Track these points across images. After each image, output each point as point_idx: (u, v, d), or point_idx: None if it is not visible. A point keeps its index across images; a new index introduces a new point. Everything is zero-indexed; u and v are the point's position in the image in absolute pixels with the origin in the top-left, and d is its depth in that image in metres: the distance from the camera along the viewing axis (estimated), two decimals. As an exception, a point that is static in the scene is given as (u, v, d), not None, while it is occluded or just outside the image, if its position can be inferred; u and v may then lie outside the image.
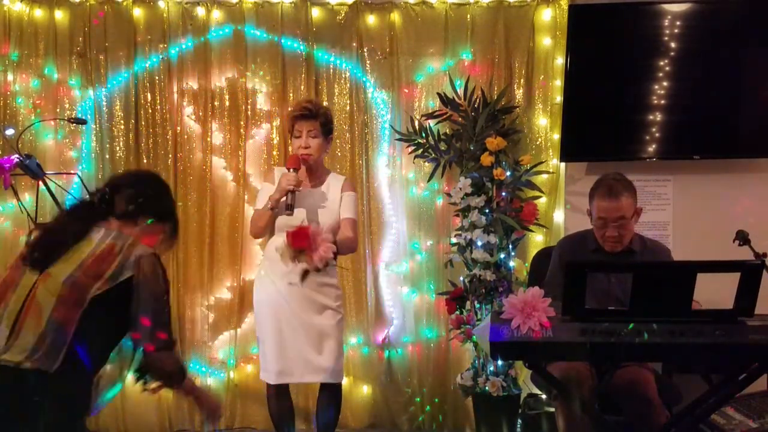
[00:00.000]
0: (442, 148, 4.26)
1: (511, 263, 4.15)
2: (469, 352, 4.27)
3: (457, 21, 4.42)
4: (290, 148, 3.45)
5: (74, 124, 4.17)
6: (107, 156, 4.42)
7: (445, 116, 4.34)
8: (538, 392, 4.06)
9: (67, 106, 4.43)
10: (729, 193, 4.41)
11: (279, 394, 3.36)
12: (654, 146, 4.33)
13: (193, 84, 4.45)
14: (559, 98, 4.39)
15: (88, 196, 2.54)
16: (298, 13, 4.43)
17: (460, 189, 4.12)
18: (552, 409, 3.51)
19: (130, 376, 2.36)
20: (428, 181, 4.34)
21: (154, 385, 2.35)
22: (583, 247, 3.24)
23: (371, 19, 4.45)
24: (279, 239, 3.33)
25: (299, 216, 3.28)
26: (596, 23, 4.34)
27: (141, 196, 2.46)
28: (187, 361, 4.39)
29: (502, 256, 4.12)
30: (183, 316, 4.40)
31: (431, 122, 4.36)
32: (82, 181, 4.17)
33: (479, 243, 4.07)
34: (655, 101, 4.30)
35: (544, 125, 4.44)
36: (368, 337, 4.42)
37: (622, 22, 4.33)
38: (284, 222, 3.28)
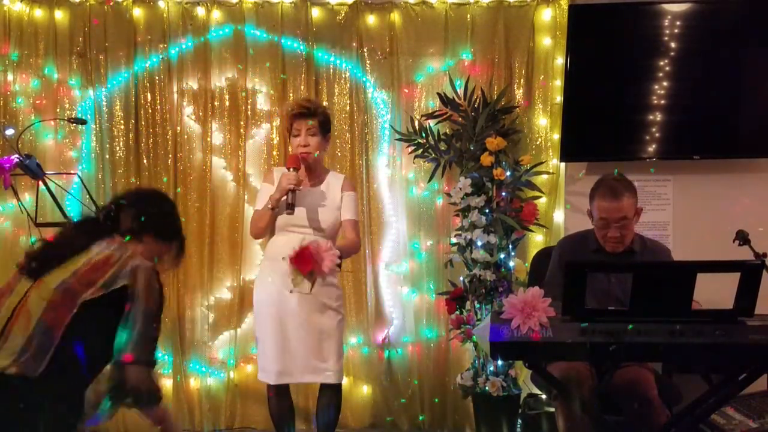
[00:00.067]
0: (442, 148, 4.26)
1: (511, 263, 4.14)
2: (469, 352, 4.27)
3: (457, 21, 4.43)
4: (290, 148, 3.45)
5: (74, 124, 4.17)
6: (107, 156, 4.42)
7: (445, 116, 4.34)
8: (538, 392, 4.06)
9: (67, 106, 4.44)
10: (729, 193, 4.41)
11: (279, 394, 3.36)
12: (654, 146, 4.33)
13: (193, 84, 4.45)
14: (559, 98, 4.39)
15: (93, 213, 2.54)
16: (298, 13, 4.43)
17: (460, 189, 4.12)
18: (552, 409, 3.51)
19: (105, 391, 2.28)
20: (428, 181, 4.34)
21: (125, 401, 2.25)
22: (584, 247, 3.24)
23: (371, 19, 4.45)
24: (280, 239, 3.34)
25: (299, 216, 3.28)
26: (596, 23, 4.34)
27: (146, 214, 2.46)
28: (187, 361, 4.40)
29: (502, 256, 4.12)
30: (183, 316, 4.40)
31: (431, 122, 4.36)
32: (82, 181, 4.17)
33: (479, 243, 4.07)
34: (655, 101, 4.30)
35: (544, 125, 4.44)
36: (368, 337, 4.42)
37: (622, 22, 4.33)
38: (285, 221, 3.29)
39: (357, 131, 4.45)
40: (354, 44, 4.44)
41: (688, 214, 4.43)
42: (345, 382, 3.93)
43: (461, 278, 4.18)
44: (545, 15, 4.43)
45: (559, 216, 4.46)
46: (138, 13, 4.43)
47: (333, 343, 3.30)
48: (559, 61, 4.40)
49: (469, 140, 4.22)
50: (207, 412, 4.38)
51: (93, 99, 4.42)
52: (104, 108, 4.43)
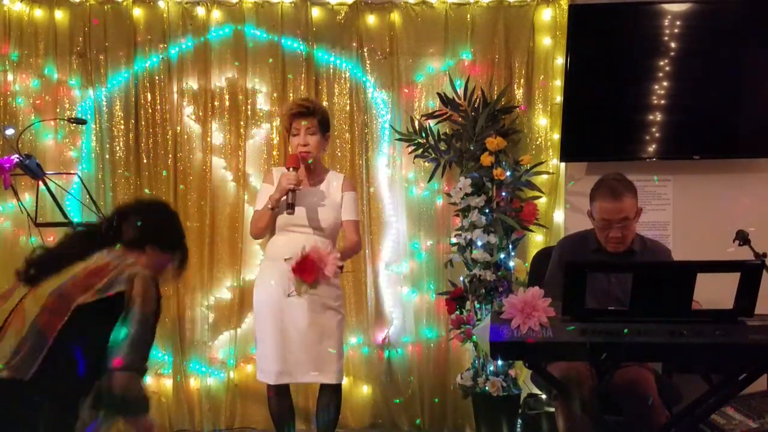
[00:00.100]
0: (442, 148, 4.26)
1: (511, 263, 4.14)
2: (469, 352, 4.27)
3: (457, 21, 4.43)
4: (289, 148, 3.45)
5: (74, 124, 4.17)
6: (107, 156, 4.42)
7: (445, 116, 4.34)
8: (538, 392, 4.06)
9: (67, 106, 4.44)
10: (729, 193, 4.41)
11: (279, 394, 3.36)
12: (654, 146, 4.33)
13: (193, 84, 4.45)
14: (559, 98, 4.39)
15: (96, 222, 2.53)
16: (298, 13, 4.43)
17: (460, 189, 4.12)
18: (552, 409, 3.51)
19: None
20: (428, 181, 4.34)
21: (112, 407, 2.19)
22: (584, 247, 3.24)
23: (371, 19, 4.45)
24: (280, 238, 3.34)
25: (299, 216, 3.28)
26: (596, 23, 4.34)
27: (149, 224, 2.45)
28: (187, 361, 4.40)
29: (502, 256, 4.12)
30: (183, 316, 4.40)
31: (431, 122, 4.36)
32: (82, 181, 4.17)
33: (479, 243, 4.07)
34: (655, 101, 4.30)
35: (544, 125, 4.44)
36: (368, 337, 4.42)
37: (622, 22, 4.33)
38: (285, 221, 3.29)
39: (357, 131, 4.45)
40: (354, 44, 4.44)
41: (688, 214, 4.43)
42: (345, 382, 3.93)
43: (461, 278, 4.18)
44: (545, 15, 4.43)
45: (559, 216, 4.46)
46: (138, 13, 4.43)
47: (333, 343, 3.30)
48: (559, 61, 4.40)
49: (469, 140, 4.22)
50: (207, 412, 4.38)
51: (93, 99, 4.42)
52: (104, 108, 4.43)
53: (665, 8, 4.26)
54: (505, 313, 2.39)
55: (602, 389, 2.74)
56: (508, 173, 4.13)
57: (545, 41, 4.43)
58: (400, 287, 4.47)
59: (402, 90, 4.46)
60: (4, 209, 4.40)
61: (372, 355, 4.44)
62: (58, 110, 4.42)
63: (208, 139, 4.44)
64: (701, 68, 4.28)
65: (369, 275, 4.41)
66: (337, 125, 4.43)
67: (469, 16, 4.42)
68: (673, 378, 3.35)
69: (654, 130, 4.32)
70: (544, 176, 4.36)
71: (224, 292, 4.45)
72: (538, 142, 4.44)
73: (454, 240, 4.28)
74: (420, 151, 4.28)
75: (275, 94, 4.44)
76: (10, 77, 4.40)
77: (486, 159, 4.11)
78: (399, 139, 4.36)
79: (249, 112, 4.45)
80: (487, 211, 4.11)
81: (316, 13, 4.45)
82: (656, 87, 4.28)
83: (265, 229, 3.36)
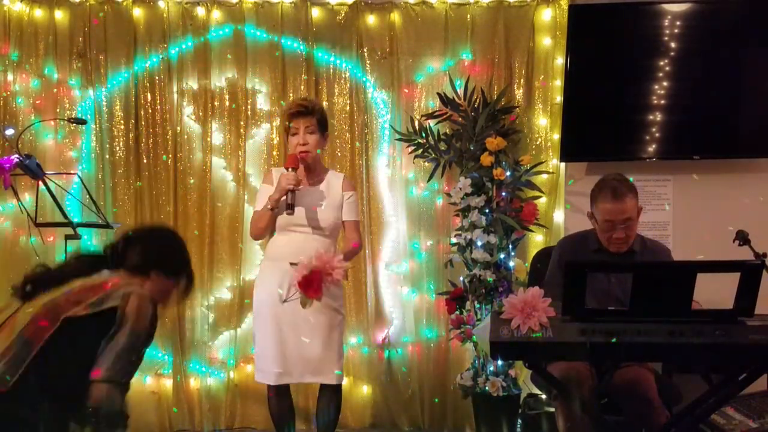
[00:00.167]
0: (442, 148, 4.26)
1: (511, 263, 4.14)
2: (469, 352, 4.27)
3: (457, 21, 4.43)
4: (288, 147, 3.44)
5: (74, 124, 4.17)
6: (107, 156, 4.42)
7: (445, 116, 4.34)
8: (538, 392, 4.06)
9: (67, 106, 4.44)
10: (729, 193, 4.41)
11: (279, 394, 3.36)
12: (654, 146, 4.34)
13: (193, 84, 4.45)
14: (559, 98, 4.39)
15: (102, 249, 2.50)
16: (298, 13, 4.43)
17: (460, 189, 4.12)
18: (552, 409, 3.50)
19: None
20: (428, 181, 4.34)
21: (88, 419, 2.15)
22: (584, 247, 3.24)
23: (371, 19, 4.46)
24: (280, 238, 3.34)
25: (299, 216, 3.28)
26: (596, 23, 4.34)
27: (154, 250, 2.44)
28: (187, 361, 4.39)
29: (502, 256, 4.12)
30: (183, 316, 4.40)
31: (431, 122, 4.36)
32: (82, 181, 4.17)
33: (479, 243, 4.07)
34: (655, 101, 4.30)
35: (544, 125, 4.44)
36: (368, 337, 4.42)
37: (622, 22, 4.33)
38: (286, 221, 3.28)
39: (357, 131, 4.45)
40: (354, 44, 4.44)
41: (688, 214, 4.43)
42: (345, 382, 3.93)
43: (461, 278, 4.18)
44: (545, 15, 4.43)
45: (559, 216, 4.46)
46: (138, 13, 4.43)
47: (333, 343, 3.30)
48: (559, 61, 4.40)
49: (469, 140, 4.22)
50: (207, 412, 4.38)
51: (93, 99, 4.42)
52: (104, 108, 4.43)
53: (665, 8, 4.27)
54: (505, 313, 2.39)
55: (602, 389, 2.74)
56: (508, 173, 4.13)
57: (545, 41, 4.43)
58: (400, 287, 4.47)
59: (402, 90, 4.46)
60: (4, 209, 4.40)
61: (372, 355, 4.44)
62: (58, 110, 4.42)
63: (208, 139, 4.44)
64: (701, 68, 4.28)
65: (369, 275, 4.41)
66: (337, 125, 4.44)
67: (469, 16, 4.42)
68: (673, 378, 3.35)
69: (654, 130, 4.32)
70: (544, 176, 4.36)
71: (224, 292, 4.45)
72: (538, 142, 4.45)
73: (454, 240, 4.28)
74: (420, 151, 4.28)
75: (275, 94, 4.44)
76: (10, 77, 4.40)
77: (486, 159, 4.11)
78: (399, 139, 4.36)
79: (249, 112, 4.45)
80: (487, 211, 4.11)
81: (316, 13, 4.45)
82: (656, 87, 4.28)
83: (265, 229, 3.35)
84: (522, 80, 4.43)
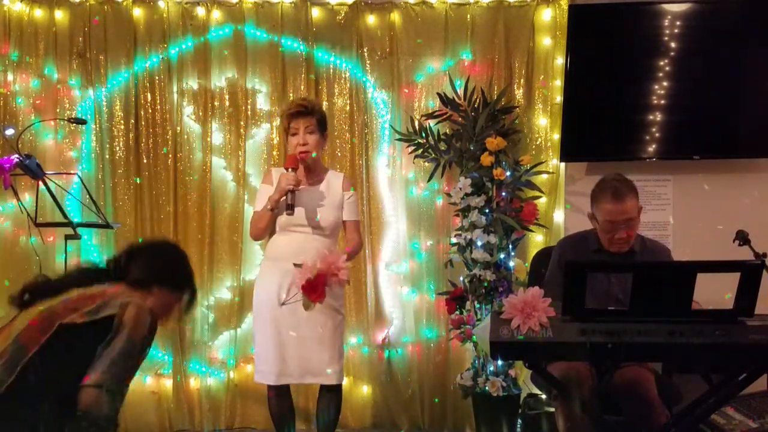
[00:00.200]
0: (442, 148, 4.26)
1: (511, 263, 4.14)
2: (469, 352, 4.27)
3: (457, 21, 4.43)
4: (288, 147, 3.44)
5: (74, 124, 4.17)
6: (107, 156, 4.42)
7: (445, 116, 4.34)
8: (538, 392, 4.06)
9: (67, 106, 4.44)
10: (729, 193, 4.41)
11: (279, 394, 3.35)
12: (654, 146, 4.34)
13: (193, 84, 4.45)
14: (559, 98, 4.39)
15: (104, 262, 2.50)
16: (298, 13, 4.43)
17: (460, 189, 4.12)
18: (552, 409, 3.51)
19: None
20: (428, 181, 4.34)
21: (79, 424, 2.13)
22: (584, 247, 3.24)
23: (371, 19, 4.46)
24: (281, 238, 3.34)
25: (299, 216, 3.28)
26: (596, 23, 4.34)
27: (157, 265, 2.44)
28: (187, 361, 4.39)
29: (502, 256, 4.12)
30: (183, 316, 4.40)
31: (431, 122, 4.36)
32: (82, 181, 4.17)
33: (479, 243, 4.07)
34: (655, 101, 4.30)
35: (544, 125, 4.44)
36: (368, 337, 4.42)
37: (622, 22, 4.33)
38: (286, 221, 3.28)
39: (357, 131, 4.45)
40: (354, 44, 4.44)
41: (688, 214, 4.43)
42: (345, 382, 3.93)
43: (461, 278, 4.18)
44: (545, 15, 4.43)
45: (559, 216, 4.46)
46: (138, 13, 4.43)
47: (333, 344, 3.29)
48: (559, 61, 4.40)
49: (469, 140, 4.22)
50: (207, 412, 4.38)
51: (93, 99, 4.42)
52: (104, 108, 4.43)
53: (665, 8, 4.27)
54: (505, 313, 2.39)
55: (602, 389, 2.74)
56: (508, 173, 4.13)
57: (545, 41, 4.43)
58: (400, 287, 4.47)
59: (402, 90, 4.46)
60: (4, 209, 4.40)
61: (372, 355, 4.44)
62: (58, 110, 4.42)
63: (208, 139, 4.44)
64: (701, 68, 4.29)
65: (369, 275, 4.41)
66: (337, 125, 4.44)
67: (469, 16, 4.42)
68: (673, 378, 3.35)
69: (654, 130, 4.32)
70: (544, 176, 4.36)
71: (224, 292, 4.45)
72: (538, 142, 4.45)
73: (454, 240, 4.28)
74: (420, 151, 4.28)
75: (275, 94, 4.44)
76: (10, 77, 4.40)
77: (486, 159, 4.11)
78: (399, 139, 4.36)
79: (249, 112, 4.46)
80: (487, 211, 4.11)
81: (316, 13, 4.45)
82: (656, 87, 4.28)
83: (265, 230, 3.35)
84: (522, 80, 4.43)
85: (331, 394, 3.36)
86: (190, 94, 4.46)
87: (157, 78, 4.43)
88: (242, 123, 4.44)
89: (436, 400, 4.43)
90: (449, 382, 4.39)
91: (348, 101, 4.46)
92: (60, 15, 4.42)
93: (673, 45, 4.27)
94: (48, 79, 4.42)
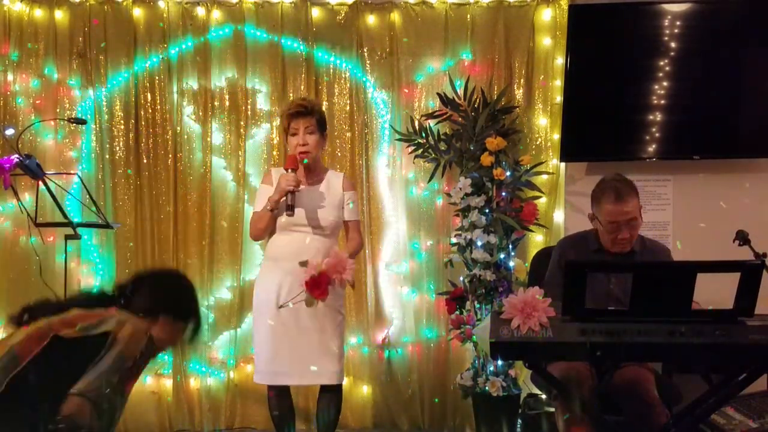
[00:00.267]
0: (442, 148, 4.26)
1: (511, 263, 4.14)
2: (469, 352, 4.27)
3: (457, 21, 4.43)
4: (287, 147, 3.44)
5: (74, 124, 4.17)
6: (107, 156, 4.42)
7: (445, 116, 4.34)
8: (538, 392, 4.05)
9: (67, 106, 4.44)
10: (729, 193, 4.41)
11: (279, 394, 3.35)
12: (654, 146, 4.34)
13: (193, 84, 4.45)
14: (559, 98, 4.39)
15: (110, 289, 2.50)
16: (298, 13, 4.43)
17: (460, 189, 4.12)
18: (552, 409, 3.50)
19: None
20: (428, 181, 4.34)
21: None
22: (584, 247, 3.24)
23: (371, 19, 4.46)
24: (281, 238, 3.34)
25: (299, 216, 3.28)
26: (596, 23, 4.34)
27: (162, 294, 2.45)
28: (187, 361, 4.39)
29: (502, 256, 4.12)
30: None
31: (431, 122, 4.36)
32: (82, 181, 4.17)
33: (479, 243, 4.07)
34: (655, 101, 4.30)
35: (544, 125, 4.44)
36: (368, 337, 4.42)
37: (622, 22, 4.33)
38: (286, 221, 3.28)
39: (357, 131, 4.45)
40: (354, 44, 4.44)
41: (688, 214, 4.43)
42: (345, 382, 3.92)
43: (461, 278, 4.18)
44: (545, 15, 4.43)
45: (559, 216, 4.46)
46: (138, 13, 4.43)
47: (333, 344, 3.29)
48: (559, 61, 4.40)
49: (469, 140, 4.22)
50: (207, 412, 4.38)
51: (93, 99, 4.42)
52: (104, 108, 4.43)
53: (665, 8, 4.27)
54: (505, 313, 2.39)
55: (602, 389, 2.74)
56: (508, 173, 4.13)
57: (545, 41, 4.43)
58: (400, 287, 4.47)
59: (402, 90, 4.46)
60: (4, 209, 4.40)
61: (372, 355, 4.44)
62: (58, 110, 4.42)
63: (208, 139, 4.44)
64: (701, 68, 4.29)
65: (369, 275, 4.41)
66: (337, 125, 4.44)
67: (469, 16, 4.42)
68: (673, 378, 3.35)
69: (654, 130, 4.32)
70: (544, 176, 4.36)
71: (224, 292, 4.45)
72: (538, 142, 4.45)
73: (454, 240, 4.28)
74: (420, 151, 4.28)
75: (275, 94, 4.44)
76: (10, 77, 4.40)
77: (486, 159, 4.11)
78: (399, 139, 4.36)
79: (249, 112, 4.46)
80: (487, 211, 4.11)
81: (316, 13, 4.45)
82: (656, 87, 4.28)
83: (265, 230, 3.35)
84: (522, 80, 4.43)
85: (331, 394, 3.36)
86: (190, 94, 4.46)
87: (157, 78, 4.43)
88: (242, 123, 4.44)
89: (436, 400, 4.43)
90: (449, 382, 4.39)
91: (348, 101, 4.46)
92: (60, 15, 4.41)
93: (673, 45, 4.27)
94: (48, 79, 4.42)
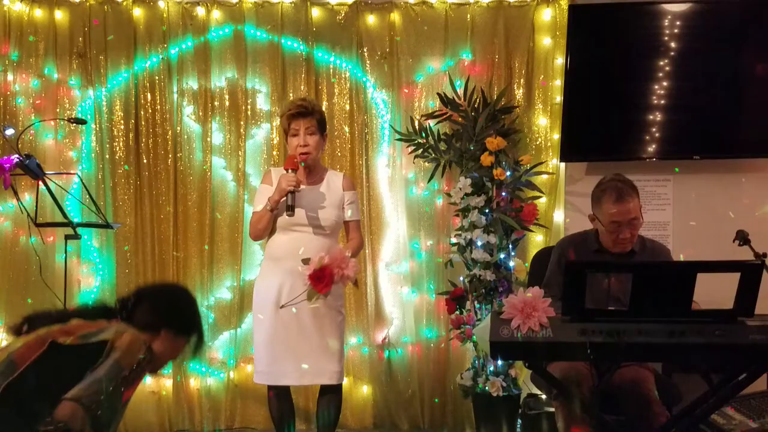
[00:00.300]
0: (442, 148, 4.26)
1: (511, 263, 4.14)
2: (469, 352, 4.27)
3: (457, 21, 4.43)
4: (288, 148, 3.44)
5: (74, 124, 4.17)
6: (107, 156, 4.42)
7: (445, 116, 4.34)
8: (538, 392, 4.05)
9: (67, 106, 4.44)
10: (729, 193, 4.41)
11: (279, 394, 3.35)
12: (654, 146, 4.33)
13: (193, 84, 4.45)
14: (559, 98, 4.39)
15: (112, 303, 2.49)
16: (298, 13, 4.43)
17: (460, 189, 4.12)
18: (552, 409, 3.50)
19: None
20: (428, 181, 4.34)
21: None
22: (584, 247, 3.24)
23: (371, 19, 4.46)
24: (281, 238, 3.33)
25: (299, 215, 3.28)
26: (596, 23, 4.34)
27: (164, 308, 2.45)
28: (187, 361, 4.39)
29: (502, 256, 4.12)
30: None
31: (431, 122, 4.36)
32: (82, 181, 4.17)
33: (479, 243, 4.07)
34: (655, 101, 4.30)
35: (544, 125, 4.44)
36: (368, 337, 4.42)
37: (622, 22, 4.32)
38: (287, 221, 3.28)
39: (357, 131, 4.45)
40: (354, 44, 4.44)
41: (688, 214, 4.43)
42: (345, 382, 3.93)
43: (461, 278, 4.18)
44: (545, 15, 4.43)
45: (559, 216, 4.46)
46: (138, 13, 4.43)
47: (333, 344, 3.29)
48: (559, 61, 4.40)
49: (469, 140, 4.22)
50: (207, 412, 4.38)
51: (93, 99, 4.42)
52: (104, 108, 4.43)
53: (665, 8, 4.26)
54: (505, 313, 2.39)
55: (602, 389, 2.74)
56: (508, 173, 4.13)
57: (545, 41, 4.43)
58: (400, 287, 4.47)
59: (402, 90, 4.46)
60: (4, 209, 4.40)
61: (372, 355, 4.44)
62: (58, 110, 4.42)
63: (208, 139, 4.44)
64: (701, 68, 4.28)
65: (369, 275, 4.41)
66: (337, 125, 4.44)
67: (469, 16, 4.42)
68: (673, 378, 3.35)
69: (654, 130, 4.32)
70: (544, 176, 4.36)
71: (224, 292, 4.45)
72: (538, 142, 4.45)
73: (454, 240, 4.28)
74: (420, 151, 4.28)
75: (275, 94, 4.45)
76: (10, 77, 4.40)
77: (486, 159, 4.11)
78: (399, 139, 4.36)
79: (249, 112, 4.46)
80: (487, 211, 4.11)
81: (316, 13, 4.45)
82: (656, 87, 4.28)
83: (265, 230, 3.35)
84: (522, 80, 4.43)
85: (332, 394, 3.36)
86: (190, 94, 4.46)
87: (157, 78, 4.43)
88: (242, 123, 4.44)
89: (436, 400, 4.43)
90: (449, 382, 4.39)
91: (348, 101, 4.46)
92: (60, 15, 4.42)
93: (673, 45, 4.27)
94: (48, 79, 4.42)
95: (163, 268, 4.41)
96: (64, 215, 3.74)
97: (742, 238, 3.34)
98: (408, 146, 4.33)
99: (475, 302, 4.10)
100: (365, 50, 4.46)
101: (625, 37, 4.34)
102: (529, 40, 4.42)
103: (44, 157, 4.29)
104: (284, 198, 3.22)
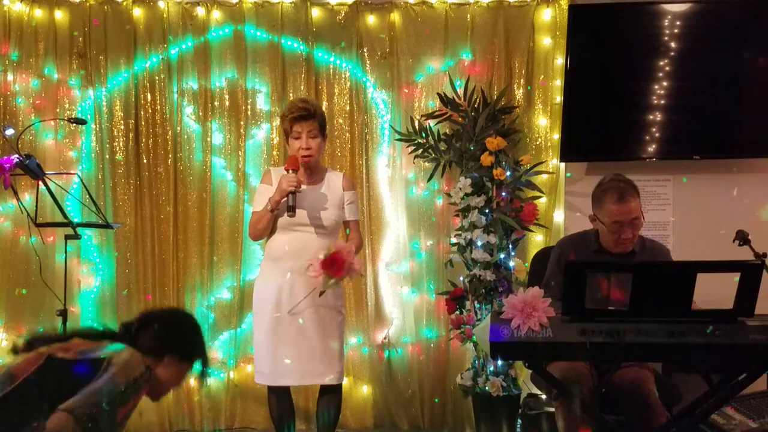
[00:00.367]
0: (442, 148, 4.26)
1: (511, 263, 4.14)
2: (469, 352, 4.27)
3: (457, 21, 4.43)
4: (288, 149, 3.44)
5: (74, 124, 4.17)
6: (107, 156, 4.42)
7: (445, 116, 4.34)
8: (538, 392, 4.05)
9: (67, 106, 4.44)
10: (729, 193, 4.41)
11: (279, 394, 3.35)
12: (654, 146, 4.34)
13: (193, 84, 4.45)
14: (559, 98, 4.39)
15: (117, 327, 2.50)
16: (298, 13, 4.43)
17: (460, 189, 4.12)
18: (552, 409, 3.51)
19: None
20: (428, 181, 4.34)
21: None
22: (584, 247, 3.24)
23: (371, 19, 4.46)
24: (281, 237, 3.33)
25: (300, 215, 3.28)
26: (596, 23, 4.34)
27: (167, 334, 2.45)
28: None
29: (502, 256, 4.12)
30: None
31: (431, 122, 4.36)
32: (82, 181, 4.17)
33: (479, 243, 4.07)
34: (655, 101, 4.30)
35: (544, 125, 4.44)
36: (368, 337, 4.42)
37: (622, 22, 4.32)
38: (287, 221, 3.28)
39: (357, 131, 4.45)
40: (354, 44, 4.44)
41: (688, 214, 4.43)
42: (345, 382, 3.92)
43: (461, 278, 4.18)
44: (545, 15, 4.43)
45: (559, 216, 4.46)
46: (138, 13, 4.43)
47: (334, 344, 3.29)
48: (559, 61, 4.40)
49: (469, 140, 4.22)
50: (207, 412, 4.38)
51: (93, 99, 4.42)
52: (104, 108, 4.43)
53: (665, 8, 4.26)
54: (505, 313, 2.39)
55: (602, 389, 2.74)
56: (508, 173, 4.13)
57: (545, 41, 4.43)
58: (400, 287, 4.47)
59: (402, 90, 4.46)
60: (4, 209, 4.40)
61: (372, 355, 4.43)
62: (58, 110, 4.42)
63: (208, 139, 4.44)
64: (701, 68, 4.28)
65: (369, 275, 4.41)
66: (337, 125, 4.44)
67: (469, 16, 4.42)
68: (673, 378, 3.35)
69: (654, 130, 4.32)
70: (544, 176, 4.36)
71: (224, 292, 4.45)
72: (538, 142, 4.45)
73: (454, 240, 4.28)
74: (420, 151, 4.28)
75: (275, 94, 4.44)
76: (10, 77, 4.40)
77: (486, 159, 4.11)
78: (399, 139, 4.36)
79: (249, 112, 4.46)
80: (487, 211, 4.11)
81: (316, 13, 4.45)
82: (656, 87, 4.28)
83: (265, 231, 3.34)
84: (522, 80, 4.43)
85: (331, 394, 3.36)
86: (190, 94, 4.46)
87: (157, 78, 4.43)
88: (242, 123, 4.44)
89: (436, 400, 4.43)
90: (449, 382, 4.39)
91: (348, 101, 4.46)
92: (60, 15, 4.42)
93: (673, 45, 4.27)
94: (48, 79, 4.42)
95: (163, 268, 4.41)
96: (64, 215, 3.74)
97: (742, 238, 3.34)
98: (408, 146, 4.33)
99: (475, 302, 4.10)
100: (365, 50, 4.46)
101: (625, 37, 4.34)
102: (529, 40, 4.42)
103: (44, 157, 4.29)
104: (285, 198, 3.22)
